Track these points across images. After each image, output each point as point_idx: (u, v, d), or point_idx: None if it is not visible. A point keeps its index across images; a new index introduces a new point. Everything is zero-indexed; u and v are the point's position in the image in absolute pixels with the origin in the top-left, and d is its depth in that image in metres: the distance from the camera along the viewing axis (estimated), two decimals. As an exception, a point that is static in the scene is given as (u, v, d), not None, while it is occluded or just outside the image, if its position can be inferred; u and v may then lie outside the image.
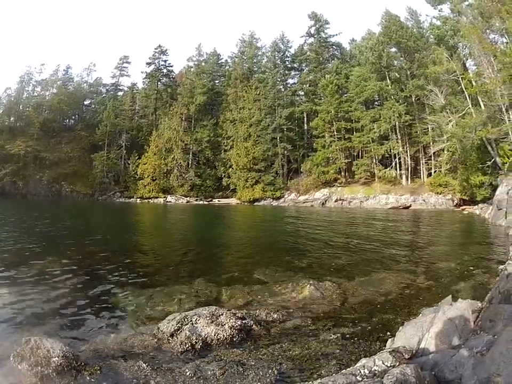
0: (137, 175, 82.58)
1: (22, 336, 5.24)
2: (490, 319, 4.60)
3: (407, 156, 63.60)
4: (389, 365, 4.22)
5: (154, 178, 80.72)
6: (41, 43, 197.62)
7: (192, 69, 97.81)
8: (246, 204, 70.54)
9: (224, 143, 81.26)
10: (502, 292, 4.96)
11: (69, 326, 7.18)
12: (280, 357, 5.63)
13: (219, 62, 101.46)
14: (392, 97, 62.78)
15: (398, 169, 64.78)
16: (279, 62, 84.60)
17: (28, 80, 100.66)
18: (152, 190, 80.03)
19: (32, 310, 7.93)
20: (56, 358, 4.63)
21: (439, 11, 60.45)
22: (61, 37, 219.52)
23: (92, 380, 4.66)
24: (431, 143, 57.21)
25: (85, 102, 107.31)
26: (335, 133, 69.44)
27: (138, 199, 79.94)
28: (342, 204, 60.39)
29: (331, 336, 6.46)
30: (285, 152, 76.55)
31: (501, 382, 3.24)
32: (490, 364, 3.47)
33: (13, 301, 8.37)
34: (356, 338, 6.39)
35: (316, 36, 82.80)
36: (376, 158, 66.29)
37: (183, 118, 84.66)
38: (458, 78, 48.41)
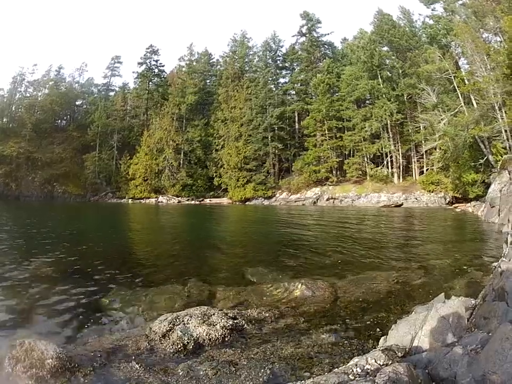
0: (129, 175, 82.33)
1: (16, 338, 5.22)
2: (484, 316, 4.59)
3: (399, 154, 63.91)
4: (381, 364, 4.21)
5: (145, 178, 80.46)
6: (34, 43, 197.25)
7: (183, 69, 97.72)
8: (237, 203, 70.68)
9: (215, 142, 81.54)
10: (496, 289, 4.94)
11: (62, 328, 7.19)
12: (272, 356, 5.62)
13: (210, 61, 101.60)
14: (384, 95, 62.98)
15: (389, 167, 65.18)
16: (271, 62, 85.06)
17: (21, 81, 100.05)
18: (144, 190, 79.75)
19: (25, 312, 7.93)
20: (50, 360, 4.62)
21: (432, 10, 61.08)
22: (53, 37, 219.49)
23: (86, 381, 4.65)
24: (423, 142, 57.48)
25: (77, 103, 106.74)
26: (327, 131, 69.66)
27: (130, 200, 79.59)
28: (333, 202, 60.53)
29: (323, 335, 6.45)
30: (276, 151, 76.79)
31: (497, 380, 3.22)
32: (485, 361, 3.45)
33: (5, 303, 8.35)
34: (348, 337, 6.38)
35: (307, 35, 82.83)
36: (368, 156, 66.69)
37: (174, 118, 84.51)
38: (451, 76, 48.62)
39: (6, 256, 13.54)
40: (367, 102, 72.81)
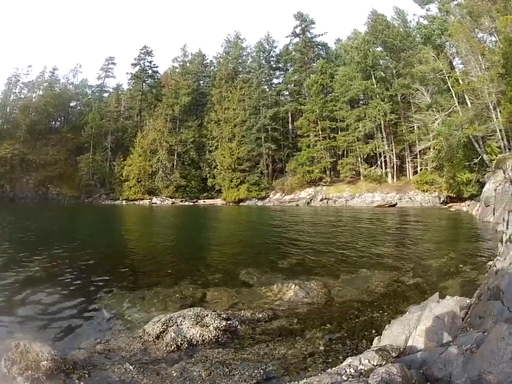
0: (123, 176, 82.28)
1: (11, 340, 5.20)
2: (480, 315, 4.56)
3: (393, 154, 64.11)
4: (375, 364, 4.20)
5: (139, 179, 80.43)
6: (29, 44, 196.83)
7: (177, 70, 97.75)
8: (231, 204, 70.75)
9: (209, 143, 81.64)
10: (491, 288, 4.92)
11: (56, 329, 7.18)
12: (265, 357, 5.62)
13: (204, 62, 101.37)
14: (378, 96, 63.10)
15: (383, 167, 65.37)
16: (264, 62, 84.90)
17: (15, 82, 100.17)
18: (138, 191, 79.72)
19: (20, 313, 7.93)
20: (45, 362, 4.60)
21: (427, 10, 61.25)
22: (48, 38, 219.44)
23: (81, 382, 4.62)
24: (416, 142, 57.71)
25: (71, 104, 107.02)
26: (320, 132, 69.78)
27: (124, 201, 79.54)
28: (327, 203, 60.63)
29: (317, 335, 6.45)
30: (270, 152, 76.79)
31: (493, 380, 3.20)
32: (481, 361, 3.42)
33: (0, 305, 8.31)
34: (342, 337, 6.38)
35: (301, 36, 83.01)
36: (362, 156, 66.81)
37: (168, 119, 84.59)
38: (445, 76, 48.82)
39: (1, 258, 13.51)
40: (361, 102, 73.13)
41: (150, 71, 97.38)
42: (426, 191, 53.67)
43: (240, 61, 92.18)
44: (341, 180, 67.22)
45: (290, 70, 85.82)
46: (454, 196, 46.40)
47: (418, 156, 60.17)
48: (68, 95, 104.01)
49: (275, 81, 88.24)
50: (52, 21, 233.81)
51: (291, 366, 5.30)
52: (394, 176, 63.66)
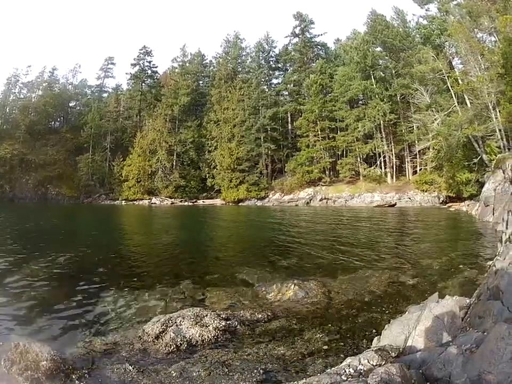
0: (122, 177, 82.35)
1: (10, 340, 5.18)
2: (479, 315, 4.55)
3: (392, 154, 64.15)
4: (374, 364, 4.18)
5: (138, 180, 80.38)
6: (29, 44, 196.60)
7: (176, 70, 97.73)
8: (230, 204, 70.68)
9: (208, 143, 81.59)
10: (491, 288, 4.91)
11: (56, 330, 7.14)
12: (265, 357, 5.61)
13: (203, 62, 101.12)
14: (377, 96, 63.10)
15: (383, 167, 65.42)
16: (263, 62, 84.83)
17: (15, 82, 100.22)
18: (137, 191, 79.70)
19: (19, 314, 7.89)
20: (45, 362, 4.58)
21: (426, 10, 61.21)
22: (47, 38, 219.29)
23: (80, 383, 4.61)
24: (416, 142, 57.70)
25: (70, 104, 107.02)
26: (319, 132, 69.73)
27: (123, 201, 79.52)
28: (326, 203, 60.55)
29: (316, 335, 6.44)
30: (269, 152, 76.67)
31: (493, 380, 3.19)
32: (481, 361, 3.41)
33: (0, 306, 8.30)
34: (341, 337, 6.36)
35: (300, 36, 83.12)
36: (361, 156, 66.85)
37: (167, 119, 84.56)
38: (444, 76, 48.83)
39: (1, 258, 13.48)
40: (360, 102, 73.21)
41: (149, 71, 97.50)
42: (426, 191, 53.67)
43: (239, 61, 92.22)
44: (340, 180, 67.27)
45: (289, 70, 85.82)
46: (454, 195, 46.37)
47: (417, 155, 60.25)
48: (67, 95, 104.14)
49: (274, 81, 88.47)
50: (51, 21, 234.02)
51: (290, 366, 5.29)
52: (394, 176, 63.68)
